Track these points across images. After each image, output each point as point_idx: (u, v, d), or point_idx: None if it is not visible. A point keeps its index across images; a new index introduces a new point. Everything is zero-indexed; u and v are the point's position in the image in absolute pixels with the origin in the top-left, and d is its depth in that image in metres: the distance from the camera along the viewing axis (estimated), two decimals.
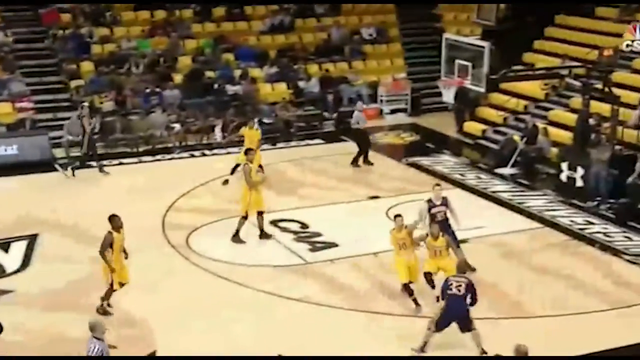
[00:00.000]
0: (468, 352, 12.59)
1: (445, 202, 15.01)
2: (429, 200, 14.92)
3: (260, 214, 16.96)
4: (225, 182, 20.48)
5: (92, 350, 10.41)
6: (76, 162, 21.46)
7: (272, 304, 14.42)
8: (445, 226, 14.63)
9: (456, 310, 12.44)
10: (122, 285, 13.72)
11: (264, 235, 17.11)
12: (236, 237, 16.90)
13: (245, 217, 16.88)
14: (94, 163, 21.57)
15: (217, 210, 18.79)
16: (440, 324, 12.57)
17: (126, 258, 13.74)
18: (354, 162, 22.13)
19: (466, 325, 12.49)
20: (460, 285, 12.46)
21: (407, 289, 14.13)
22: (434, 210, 14.84)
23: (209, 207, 19.07)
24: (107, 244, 13.37)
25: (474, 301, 12.45)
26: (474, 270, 14.93)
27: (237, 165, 20.05)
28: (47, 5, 27.80)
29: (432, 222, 14.40)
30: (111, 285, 13.59)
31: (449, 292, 12.48)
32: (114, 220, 13.50)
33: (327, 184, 20.59)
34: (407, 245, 14.13)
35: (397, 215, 14.29)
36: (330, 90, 27.38)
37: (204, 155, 23.62)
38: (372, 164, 22.15)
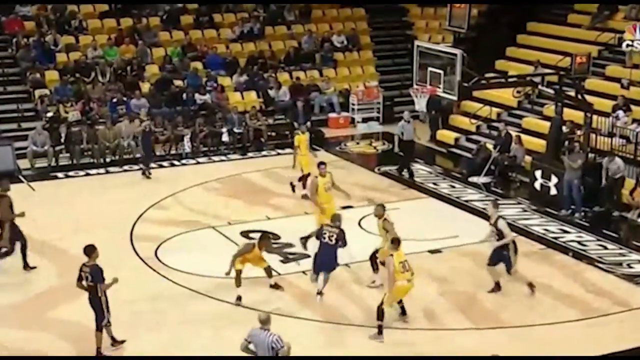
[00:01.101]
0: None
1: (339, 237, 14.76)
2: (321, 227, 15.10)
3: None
4: (293, 188, 20.52)
5: (277, 340, 10.78)
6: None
7: (243, 317, 14.31)
8: (332, 249, 14.70)
9: (326, 257, 14.49)
10: None
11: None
12: (305, 239, 16.68)
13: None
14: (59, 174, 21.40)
15: (187, 222, 18.70)
16: (314, 268, 14.80)
17: None
18: (399, 172, 22.35)
19: (331, 269, 14.55)
20: (332, 235, 14.41)
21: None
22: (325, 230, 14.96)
23: (179, 219, 18.96)
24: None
25: (344, 244, 14.52)
26: None
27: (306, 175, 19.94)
28: (11, 12, 27.59)
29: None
30: None
31: (322, 239, 14.45)
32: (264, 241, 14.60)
33: (298, 194, 20.54)
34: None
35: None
36: (301, 98, 27.38)
37: (172, 165, 23.50)
38: (412, 175, 22.19)
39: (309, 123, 26.73)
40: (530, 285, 15.11)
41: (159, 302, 14.90)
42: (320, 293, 14.89)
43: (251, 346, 11.01)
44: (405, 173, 22.33)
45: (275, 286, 15.33)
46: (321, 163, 17.60)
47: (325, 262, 14.70)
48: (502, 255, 14.90)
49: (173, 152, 24.45)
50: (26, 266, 16.07)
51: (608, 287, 15.56)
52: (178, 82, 27.04)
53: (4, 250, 15.95)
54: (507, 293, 15.33)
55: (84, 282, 12.87)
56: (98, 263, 12.85)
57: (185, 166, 23.41)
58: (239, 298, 14.76)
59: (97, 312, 12.80)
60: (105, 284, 12.77)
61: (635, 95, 22.55)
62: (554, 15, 27.96)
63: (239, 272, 14.75)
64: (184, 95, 26.46)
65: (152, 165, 22.55)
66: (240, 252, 14.88)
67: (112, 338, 13.13)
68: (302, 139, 20.51)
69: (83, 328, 13.33)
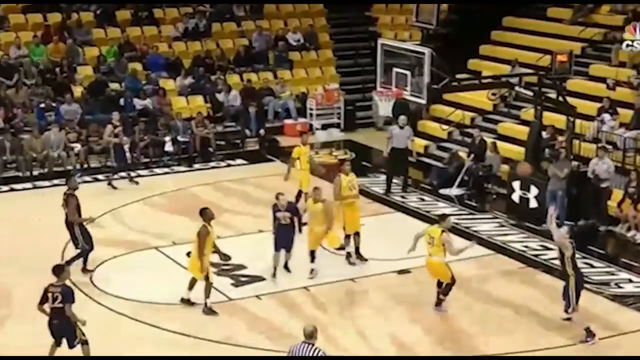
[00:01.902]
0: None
1: (290, 208, 16.95)
2: (275, 205, 16.97)
3: (357, 234, 17.69)
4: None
5: (323, 354, 11.11)
6: None
7: (190, 347, 14.29)
8: (289, 231, 16.86)
9: (283, 237, 16.73)
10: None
11: (360, 256, 17.78)
12: (358, 255, 17.76)
13: (348, 236, 17.68)
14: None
15: (127, 242, 18.62)
16: (275, 247, 16.87)
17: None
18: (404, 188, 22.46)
19: (289, 247, 16.82)
20: (285, 217, 16.55)
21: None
22: (278, 215, 16.86)
23: (117, 238, 18.88)
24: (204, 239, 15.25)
25: (299, 228, 17.00)
26: None
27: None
28: None
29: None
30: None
31: (278, 222, 16.63)
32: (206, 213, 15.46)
33: (251, 210, 20.53)
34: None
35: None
36: (253, 103, 27.39)
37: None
38: (391, 188, 22.37)
39: (262, 130, 26.86)
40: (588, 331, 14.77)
41: (93, 331, 14.75)
42: (286, 267, 17.07)
43: None
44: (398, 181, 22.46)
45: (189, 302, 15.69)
46: (343, 160, 18.45)
47: (284, 242, 16.88)
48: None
49: (110, 163, 24.28)
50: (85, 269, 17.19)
51: (596, 310, 15.73)
52: (114, 86, 26.91)
53: (82, 250, 17.09)
54: (487, 317, 15.44)
55: (46, 305, 12.99)
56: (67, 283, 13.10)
57: (124, 179, 23.27)
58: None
59: (69, 333, 13.02)
60: (71, 309, 12.93)
61: (622, 96, 22.89)
62: (532, 8, 28.30)
63: (207, 271, 15.34)
64: (122, 100, 26.34)
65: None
66: (200, 244, 15.22)
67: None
68: (302, 151, 20.19)
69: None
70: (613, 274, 17.44)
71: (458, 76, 23.47)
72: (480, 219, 20.60)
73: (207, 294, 15.49)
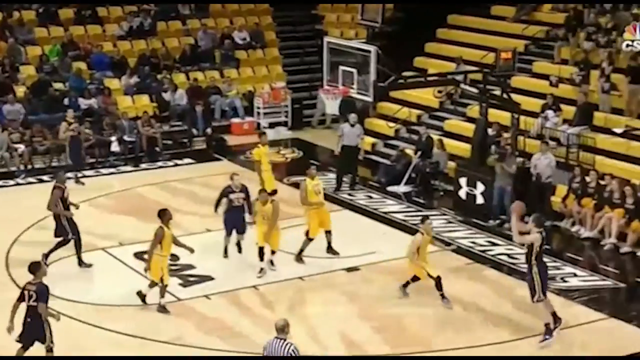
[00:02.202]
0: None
1: (243, 190, 17.78)
2: (228, 187, 17.75)
3: (328, 232, 17.90)
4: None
5: (294, 350, 11.02)
6: None
7: (137, 347, 14.19)
8: (240, 213, 17.72)
9: (236, 219, 17.56)
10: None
11: (331, 250, 17.92)
12: (299, 257, 17.68)
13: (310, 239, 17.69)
14: None
15: (72, 243, 18.37)
16: (227, 231, 17.67)
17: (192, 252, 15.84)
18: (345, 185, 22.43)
19: (242, 228, 17.65)
20: (239, 199, 17.47)
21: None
22: (232, 196, 17.66)
23: None
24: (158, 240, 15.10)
25: (250, 210, 17.61)
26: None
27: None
28: None
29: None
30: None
31: (231, 204, 17.48)
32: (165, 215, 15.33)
33: (198, 209, 20.44)
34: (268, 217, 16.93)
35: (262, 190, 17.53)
36: (199, 102, 27.26)
37: (54, 179, 23.06)
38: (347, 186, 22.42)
39: (209, 129, 26.74)
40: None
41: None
42: (239, 245, 17.77)
43: None
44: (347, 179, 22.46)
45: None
46: (311, 164, 18.54)
47: (237, 224, 17.64)
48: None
49: (55, 164, 24.02)
50: (81, 263, 17.39)
51: (542, 305, 15.87)
52: (58, 85, 26.63)
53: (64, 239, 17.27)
54: (435, 313, 15.54)
55: (24, 302, 12.87)
56: (44, 281, 12.91)
57: (69, 180, 23.00)
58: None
59: (40, 334, 12.84)
60: (45, 308, 12.75)
61: (565, 93, 23.16)
62: (477, 7, 28.53)
63: (161, 276, 15.28)
64: (66, 100, 26.06)
65: (75, 174, 22.54)
66: (154, 244, 15.13)
67: None
68: (262, 152, 20.09)
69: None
70: (558, 269, 17.62)
71: (404, 74, 23.56)
72: (428, 215, 20.70)
73: (162, 294, 15.43)
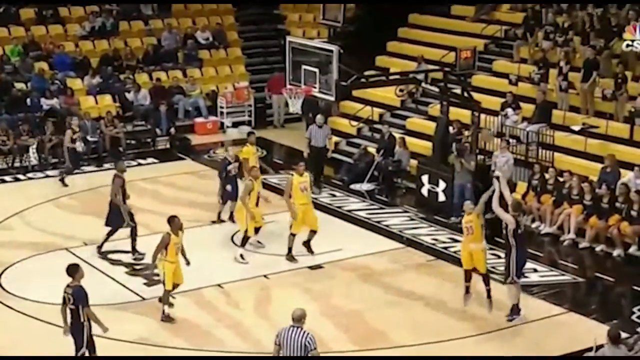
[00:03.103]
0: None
1: (237, 159, 19.19)
2: (225, 159, 19.27)
3: (313, 231, 17.88)
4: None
5: (311, 340, 11.02)
6: None
7: (104, 349, 14.10)
8: (236, 182, 19.03)
9: (233, 188, 18.76)
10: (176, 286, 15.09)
11: (308, 247, 17.93)
12: (290, 255, 17.72)
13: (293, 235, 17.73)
14: None
15: (36, 244, 18.35)
16: (222, 199, 19.20)
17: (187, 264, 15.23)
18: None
19: (235, 197, 18.64)
20: (235, 168, 18.62)
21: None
22: (230, 167, 18.99)
23: (26, 240, 18.60)
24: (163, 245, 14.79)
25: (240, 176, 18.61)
26: None
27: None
28: None
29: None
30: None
31: (228, 174, 18.58)
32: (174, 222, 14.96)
33: (163, 208, 20.34)
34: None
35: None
36: (163, 102, 27.17)
37: (17, 180, 22.96)
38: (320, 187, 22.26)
39: (172, 129, 26.66)
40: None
41: (2, 335, 14.53)
42: (231, 218, 18.97)
43: (282, 352, 11.11)
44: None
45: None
46: (300, 161, 18.39)
47: (234, 193, 18.78)
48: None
49: (17, 164, 23.84)
50: (135, 251, 17.72)
51: (502, 298, 16.01)
52: (20, 85, 26.41)
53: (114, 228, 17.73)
54: (398, 311, 15.62)
55: (67, 306, 12.63)
56: (82, 284, 12.66)
57: (32, 180, 22.89)
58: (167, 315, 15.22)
59: (77, 339, 12.57)
60: (90, 310, 12.52)
61: (524, 91, 23.37)
62: (437, 6, 28.67)
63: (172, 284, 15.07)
64: (28, 100, 25.86)
65: (62, 174, 22.49)
66: (158, 248, 14.93)
67: None
68: (251, 151, 20.03)
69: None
70: None
71: (366, 73, 23.65)
72: (390, 213, 20.82)
73: (165, 301, 15.20)
